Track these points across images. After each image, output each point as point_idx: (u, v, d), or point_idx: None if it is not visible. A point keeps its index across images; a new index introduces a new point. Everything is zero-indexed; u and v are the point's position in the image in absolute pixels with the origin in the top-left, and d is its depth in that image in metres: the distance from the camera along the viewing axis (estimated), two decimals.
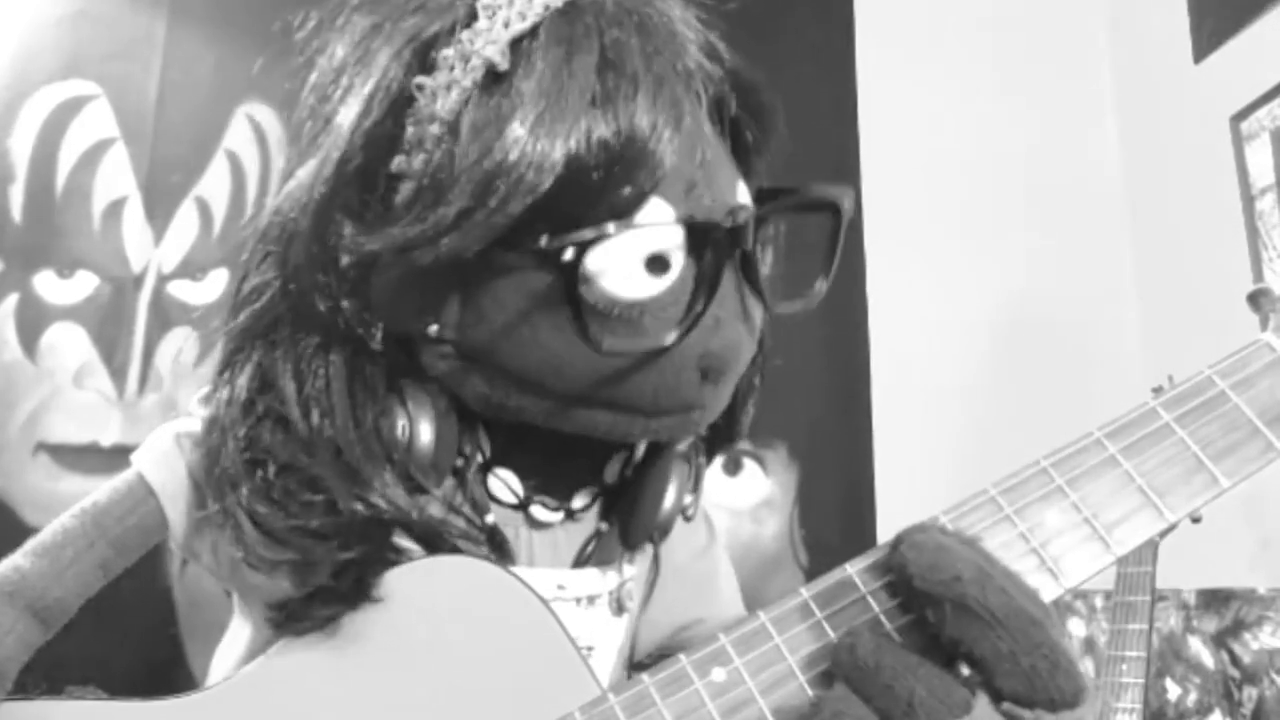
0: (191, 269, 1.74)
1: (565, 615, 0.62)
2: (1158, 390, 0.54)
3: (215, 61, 1.81)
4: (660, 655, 0.70)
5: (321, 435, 0.57)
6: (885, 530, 1.80)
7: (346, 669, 0.53)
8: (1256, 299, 0.59)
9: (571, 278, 0.54)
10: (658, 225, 0.56)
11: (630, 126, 0.54)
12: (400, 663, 0.53)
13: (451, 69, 0.56)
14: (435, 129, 0.56)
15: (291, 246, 0.58)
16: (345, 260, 0.58)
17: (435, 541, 0.58)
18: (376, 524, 0.56)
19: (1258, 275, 1.72)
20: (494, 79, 0.56)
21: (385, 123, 0.57)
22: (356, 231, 0.57)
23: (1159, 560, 1.45)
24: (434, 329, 0.59)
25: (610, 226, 0.54)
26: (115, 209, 1.73)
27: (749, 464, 1.84)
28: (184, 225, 1.75)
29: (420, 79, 0.57)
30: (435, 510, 0.61)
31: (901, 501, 1.83)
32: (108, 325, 1.69)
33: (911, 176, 2.01)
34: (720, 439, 0.72)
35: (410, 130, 0.57)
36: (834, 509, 1.87)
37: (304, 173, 0.59)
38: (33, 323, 1.67)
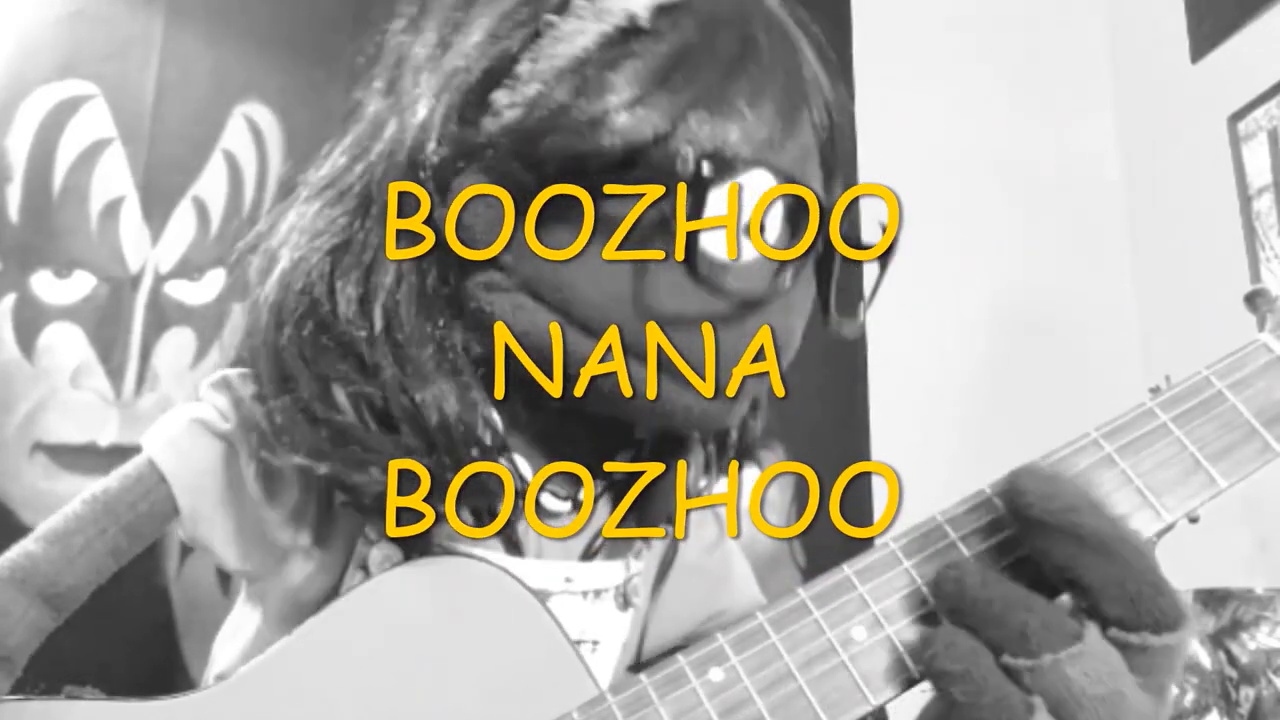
0: (189, 269, 1.74)
1: (571, 609, 0.62)
2: (1155, 390, 0.53)
3: (212, 61, 1.80)
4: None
5: (383, 339, 0.57)
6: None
7: (343, 668, 0.53)
8: (1253, 299, 0.59)
9: (701, 193, 0.54)
10: (779, 175, 0.56)
11: (744, 134, 0.55)
12: (398, 662, 0.53)
13: (582, 18, 0.57)
14: (559, 63, 0.56)
15: (386, 145, 0.60)
16: (439, 155, 0.58)
17: (459, 456, 0.57)
18: (424, 442, 0.56)
19: (1255, 275, 1.72)
20: (625, 34, 0.56)
21: (507, 50, 0.58)
22: (457, 130, 0.58)
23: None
24: (499, 248, 0.58)
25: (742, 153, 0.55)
26: (112, 209, 1.73)
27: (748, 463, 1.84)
28: (181, 225, 1.75)
29: (551, 16, 0.58)
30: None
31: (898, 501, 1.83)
32: (105, 325, 1.69)
33: (909, 176, 1.99)
34: (738, 454, 0.73)
35: (525, 65, 0.57)
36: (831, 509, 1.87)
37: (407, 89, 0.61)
38: (30, 323, 1.67)
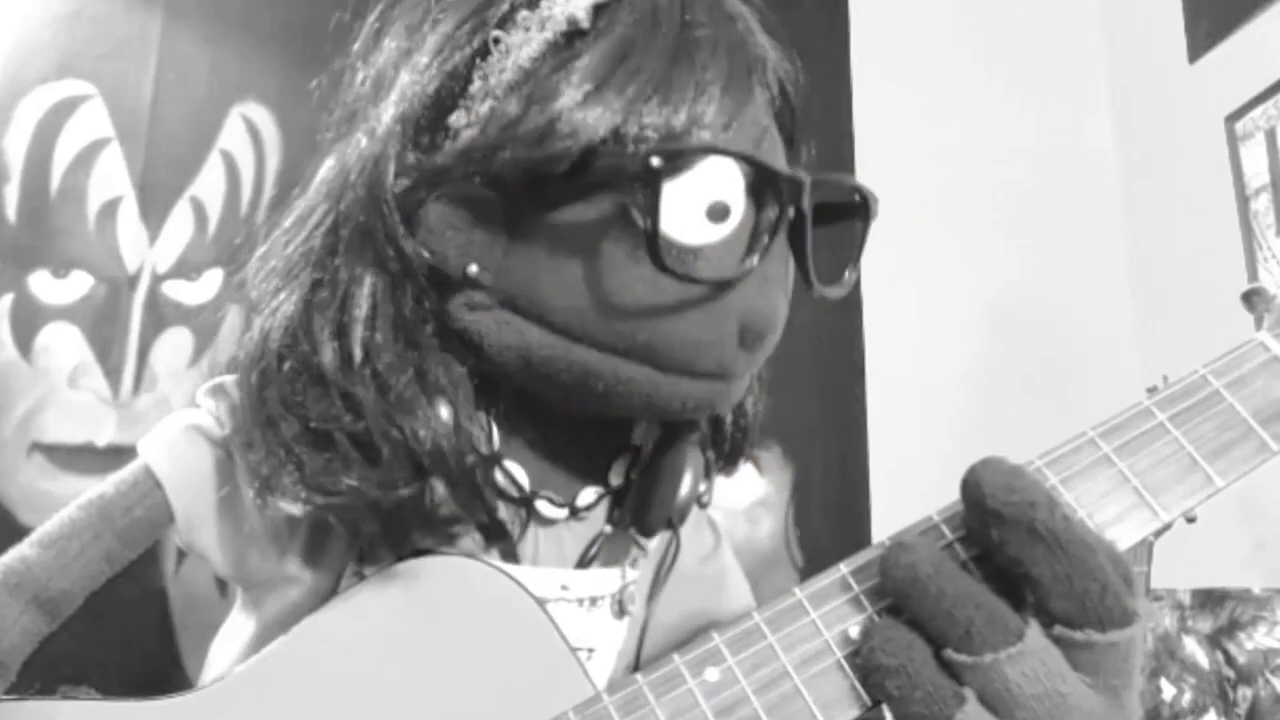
0: (186, 269, 1.73)
1: (567, 616, 0.62)
2: (1152, 390, 0.53)
3: (210, 61, 1.80)
4: None
5: (363, 370, 0.57)
6: (879, 529, 1.80)
7: (339, 668, 0.53)
8: (1251, 298, 0.59)
9: (655, 185, 0.54)
10: (732, 155, 0.56)
11: (693, 117, 0.55)
12: (393, 663, 0.53)
13: (528, 29, 0.57)
14: (508, 75, 0.56)
15: (350, 177, 0.59)
16: (401, 186, 0.58)
17: (467, 487, 0.57)
18: (413, 467, 0.56)
19: (1252, 275, 1.72)
20: (569, 38, 0.57)
21: (456, 70, 0.58)
22: (416, 159, 0.58)
23: (1154, 560, 1.45)
24: (474, 269, 0.58)
25: (693, 142, 0.55)
26: (110, 209, 1.73)
27: (743, 463, 1.84)
28: (179, 225, 1.75)
29: (497, 32, 0.58)
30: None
31: (896, 500, 1.83)
32: (103, 325, 1.68)
33: (907, 175, 2.01)
34: (733, 451, 0.73)
35: (477, 84, 0.58)
36: (829, 508, 1.87)
37: (363, 124, 0.61)
38: (27, 323, 1.66)
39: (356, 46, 0.65)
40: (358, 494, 0.55)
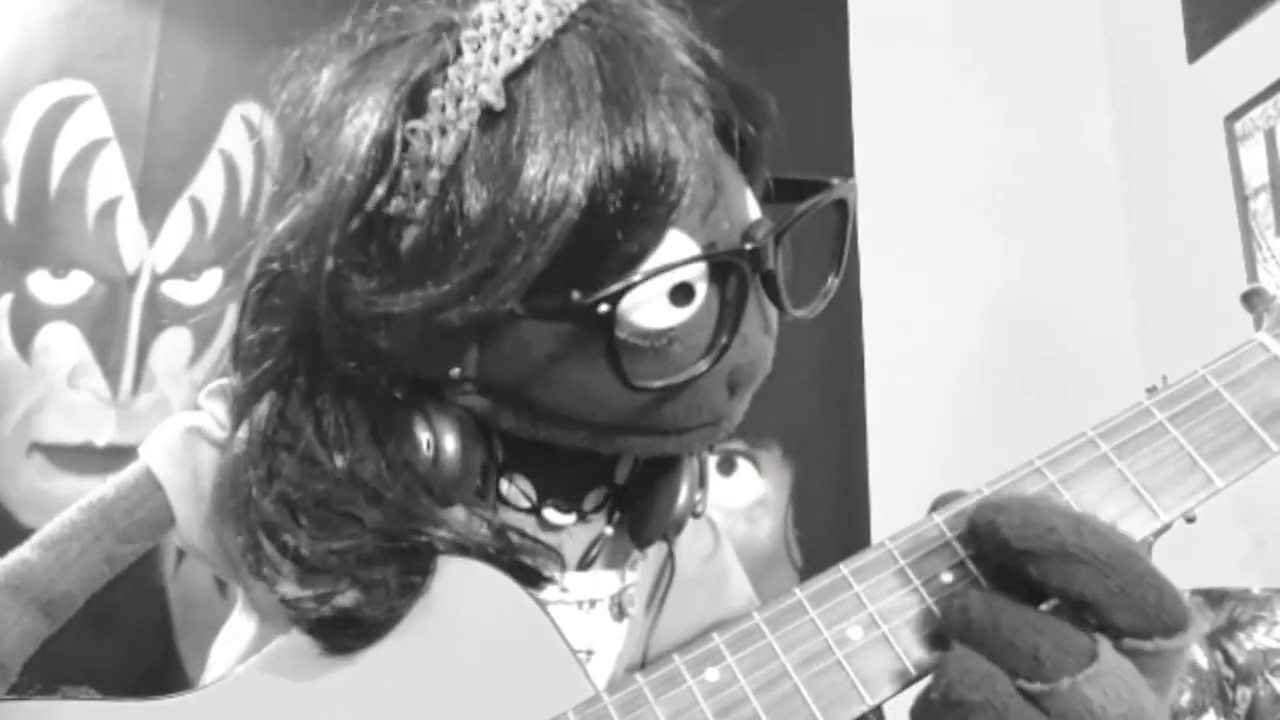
0: (185, 269, 1.73)
1: (566, 618, 0.62)
2: (1151, 390, 0.53)
3: (209, 61, 1.80)
4: None
5: (352, 474, 0.56)
6: (879, 529, 1.80)
7: (341, 669, 0.53)
8: (1250, 299, 0.59)
9: (609, 325, 0.54)
10: (682, 264, 0.55)
11: (645, 154, 0.52)
12: (395, 663, 0.53)
13: (443, 109, 0.54)
14: (435, 174, 0.54)
15: (298, 305, 0.57)
16: (360, 315, 0.55)
17: (497, 560, 0.57)
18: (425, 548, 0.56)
19: (1251, 275, 1.72)
20: (491, 118, 0.54)
21: (381, 168, 0.55)
22: (371, 290, 0.55)
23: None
24: (455, 372, 0.59)
25: (637, 275, 0.54)
26: (109, 209, 1.73)
27: (743, 464, 1.84)
28: (178, 225, 1.75)
29: (413, 123, 0.55)
30: (459, 516, 0.60)
31: (895, 500, 1.83)
32: (102, 325, 1.69)
33: (906, 176, 2.01)
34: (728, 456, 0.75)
35: (407, 174, 0.55)
36: (828, 508, 1.87)
37: (291, 220, 0.58)
38: (27, 323, 1.66)
39: (284, 87, 0.63)
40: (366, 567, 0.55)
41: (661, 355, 0.57)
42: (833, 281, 0.65)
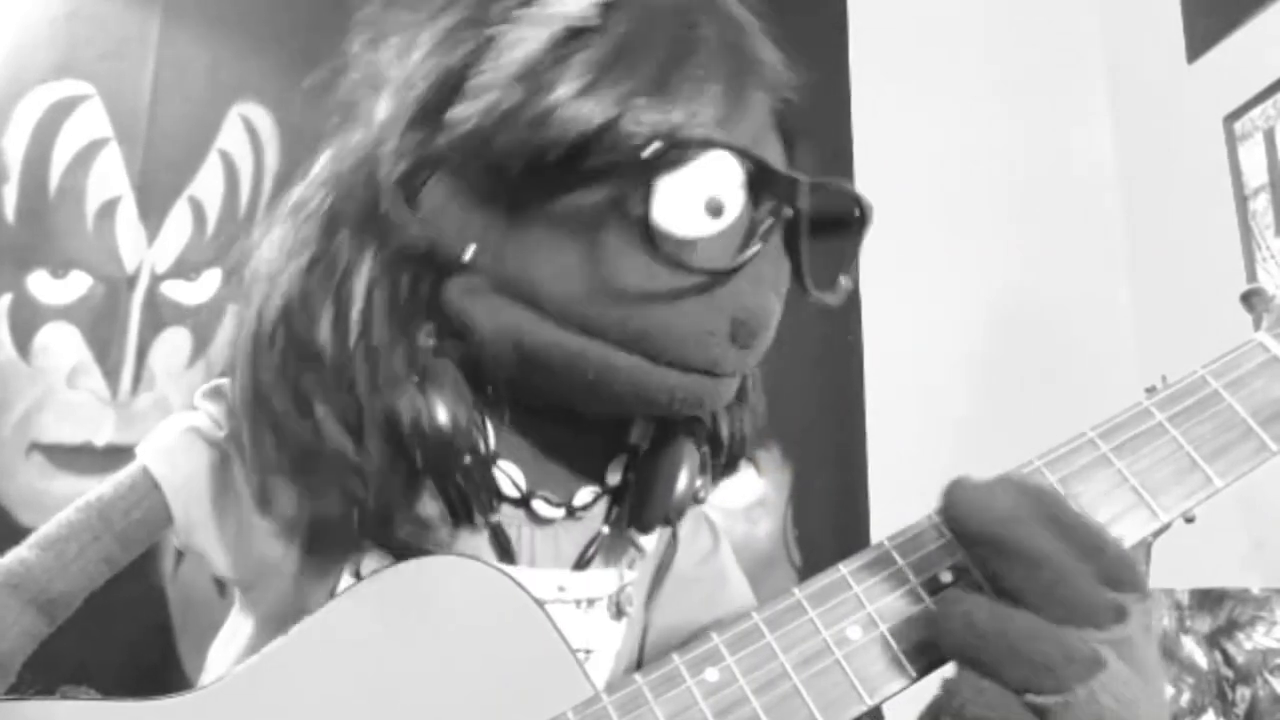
0: (185, 269, 1.73)
1: (564, 617, 0.62)
2: (1151, 390, 0.53)
3: (209, 61, 1.80)
4: None
5: (359, 344, 0.58)
6: (878, 529, 1.80)
7: (338, 668, 0.53)
8: (1249, 299, 0.59)
9: (651, 176, 0.55)
10: (730, 149, 0.56)
11: (690, 114, 0.55)
12: (392, 663, 0.53)
13: (532, 23, 0.58)
14: (507, 71, 0.57)
15: (349, 163, 0.61)
16: (401, 170, 0.59)
17: (445, 469, 0.58)
18: (407, 469, 0.57)
19: (1251, 275, 1.72)
20: (571, 35, 0.57)
21: (453, 67, 0.59)
22: (416, 145, 0.59)
23: (1152, 560, 1.45)
24: (471, 251, 0.58)
25: (688, 137, 0.55)
26: (109, 209, 1.73)
27: (742, 464, 1.84)
28: (177, 225, 1.75)
29: (495, 28, 0.58)
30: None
31: (894, 500, 1.83)
32: (101, 325, 1.68)
33: (906, 176, 2.01)
34: (730, 457, 0.74)
35: (474, 79, 0.58)
36: (827, 508, 1.87)
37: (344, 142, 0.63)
38: (26, 323, 1.66)
39: (353, 43, 0.65)
40: (347, 491, 0.56)
41: (686, 251, 0.57)
42: (845, 281, 0.64)
